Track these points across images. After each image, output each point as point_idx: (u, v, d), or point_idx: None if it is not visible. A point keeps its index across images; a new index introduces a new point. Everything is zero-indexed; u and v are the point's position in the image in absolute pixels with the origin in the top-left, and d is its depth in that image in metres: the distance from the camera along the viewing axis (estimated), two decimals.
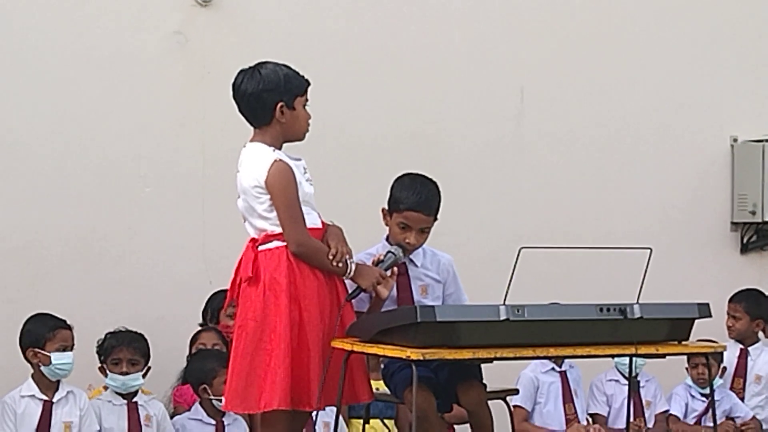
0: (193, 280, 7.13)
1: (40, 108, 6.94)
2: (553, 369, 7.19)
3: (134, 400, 6.35)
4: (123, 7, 7.12)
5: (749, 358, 7.67)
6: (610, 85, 8.31)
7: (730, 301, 7.68)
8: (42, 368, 6.16)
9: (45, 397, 6.17)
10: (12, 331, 6.34)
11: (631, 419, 7.10)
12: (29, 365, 6.23)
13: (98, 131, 7.04)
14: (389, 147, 7.59)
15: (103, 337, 6.42)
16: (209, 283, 7.02)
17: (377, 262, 5.13)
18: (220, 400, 6.17)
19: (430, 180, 5.33)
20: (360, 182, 7.36)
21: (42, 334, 6.18)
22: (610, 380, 7.40)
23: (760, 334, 7.85)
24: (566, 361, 7.17)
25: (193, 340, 6.80)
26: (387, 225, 5.31)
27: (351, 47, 7.61)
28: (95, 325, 6.55)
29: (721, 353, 7.09)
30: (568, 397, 7.19)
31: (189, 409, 6.55)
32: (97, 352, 6.38)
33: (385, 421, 6.80)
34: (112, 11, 7.09)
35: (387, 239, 5.31)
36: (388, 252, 5.18)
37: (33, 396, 6.17)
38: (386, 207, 5.31)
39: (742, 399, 7.60)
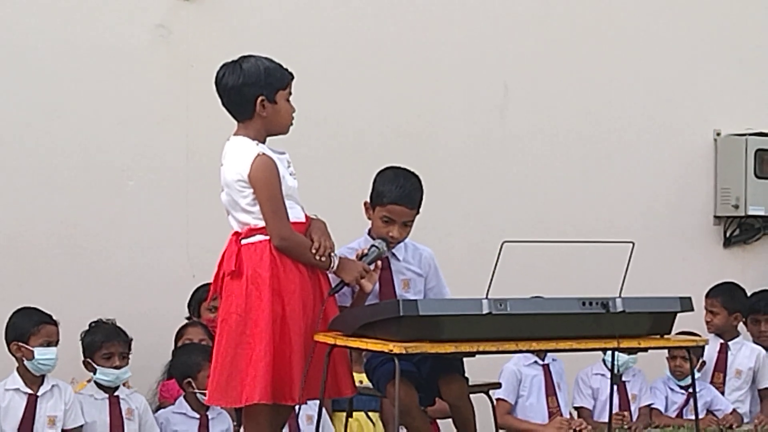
0: (176, 274, 7.12)
1: (22, 102, 6.92)
2: (536, 362, 7.19)
3: (116, 393, 6.34)
4: (106, 1, 7.09)
5: (729, 353, 7.70)
6: (593, 80, 8.32)
7: (707, 296, 7.69)
8: (25, 362, 6.15)
9: (30, 391, 6.15)
10: None
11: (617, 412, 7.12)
12: (14, 359, 6.22)
13: (81, 125, 7.03)
14: (374, 141, 7.59)
15: (87, 329, 6.40)
16: (193, 277, 7.02)
17: (361, 256, 5.14)
18: (205, 394, 6.18)
19: (413, 173, 5.33)
20: (345, 176, 7.35)
21: (26, 328, 6.16)
22: (596, 374, 7.41)
23: (741, 328, 7.87)
24: (549, 354, 7.17)
25: (180, 335, 6.80)
26: (369, 219, 5.31)
27: (336, 41, 7.60)
28: (79, 320, 6.52)
29: (702, 347, 7.10)
30: (551, 390, 7.19)
31: (174, 403, 6.55)
32: (84, 346, 6.37)
33: (370, 413, 6.80)
34: (94, 5, 7.07)
35: (369, 233, 5.31)
36: (372, 246, 5.18)
37: (18, 389, 6.15)
38: (369, 201, 5.31)
39: (723, 393, 7.62)
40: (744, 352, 7.73)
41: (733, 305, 7.72)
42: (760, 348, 7.81)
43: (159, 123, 7.18)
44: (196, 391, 6.36)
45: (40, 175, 6.94)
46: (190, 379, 6.40)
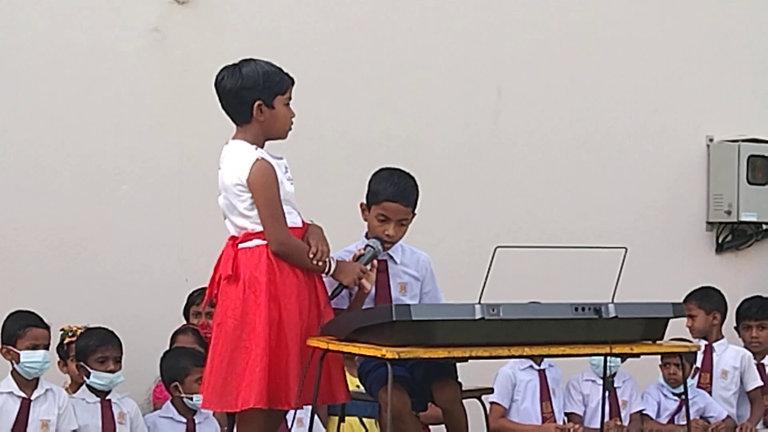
0: (169, 278, 7.12)
1: (16, 105, 6.92)
2: (531, 367, 7.20)
3: (108, 398, 6.34)
4: (100, 4, 7.10)
5: (714, 354, 7.71)
6: (587, 85, 8.34)
7: (684, 302, 7.70)
8: (14, 365, 6.15)
9: (23, 395, 6.14)
10: None
11: (608, 419, 7.13)
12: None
13: (75, 128, 7.03)
14: (367, 145, 7.59)
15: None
16: (186, 281, 7.02)
17: (357, 257, 5.15)
18: (191, 398, 6.19)
19: (408, 173, 5.35)
20: (338, 180, 7.36)
21: (14, 331, 6.16)
22: (587, 380, 7.41)
23: (725, 331, 7.89)
24: (546, 359, 7.18)
25: (173, 341, 6.79)
26: (365, 220, 5.32)
27: (329, 45, 7.61)
28: (72, 323, 6.53)
29: (695, 353, 7.12)
30: (545, 395, 7.20)
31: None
32: (77, 350, 6.36)
33: (365, 419, 6.79)
34: (89, 8, 7.08)
35: (366, 236, 5.31)
36: (367, 245, 5.19)
37: (11, 393, 6.14)
38: (364, 201, 5.32)
39: (710, 394, 7.64)
40: (729, 353, 7.77)
41: (709, 305, 7.75)
42: (744, 350, 7.84)
43: (153, 127, 7.18)
44: (183, 395, 6.36)
45: (33, 178, 6.94)
46: (177, 383, 6.39)
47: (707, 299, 7.75)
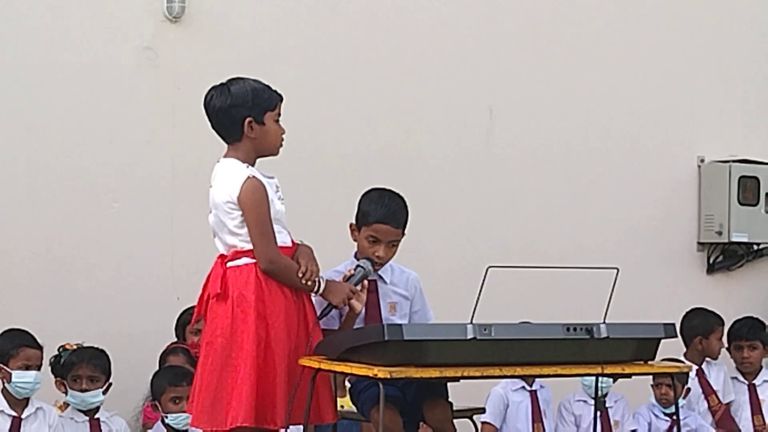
0: (160, 295, 7.11)
1: (9, 121, 6.92)
2: (523, 388, 7.20)
3: (96, 416, 6.31)
4: (93, 22, 7.10)
5: (706, 376, 7.73)
6: (579, 103, 8.35)
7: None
8: (5, 385, 6.13)
9: (14, 413, 6.13)
10: None
11: None
12: None
13: (68, 145, 7.02)
14: (359, 162, 7.59)
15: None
16: (177, 299, 7.01)
17: (347, 278, 5.15)
18: (167, 417, 6.17)
19: (398, 194, 5.35)
20: (329, 198, 7.35)
21: (7, 350, 6.14)
22: (579, 401, 7.40)
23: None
24: (537, 380, 7.17)
25: (163, 360, 6.77)
26: (355, 240, 5.31)
27: (321, 62, 7.62)
28: (62, 339, 6.51)
29: (687, 374, 7.11)
30: (537, 416, 7.20)
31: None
32: (59, 368, 6.35)
33: None
34: (82, 26, 7.08)
35: (355, 256, 5.31)
36: (357, 266, 5.19)
37: (2, 411, 6.13)
38: (354, 222, 5.31)
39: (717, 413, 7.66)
40: (713, 372, 7.80)
41: (691, 331, 7.76)
42: (723, 365, 7.88)
43: (145, 144, 7.18)
44: (162, 414, 6.33)
45: (26, 194, 6.94)
46: (156, 402, 6.37)
47: (692, 327, 7.76)
